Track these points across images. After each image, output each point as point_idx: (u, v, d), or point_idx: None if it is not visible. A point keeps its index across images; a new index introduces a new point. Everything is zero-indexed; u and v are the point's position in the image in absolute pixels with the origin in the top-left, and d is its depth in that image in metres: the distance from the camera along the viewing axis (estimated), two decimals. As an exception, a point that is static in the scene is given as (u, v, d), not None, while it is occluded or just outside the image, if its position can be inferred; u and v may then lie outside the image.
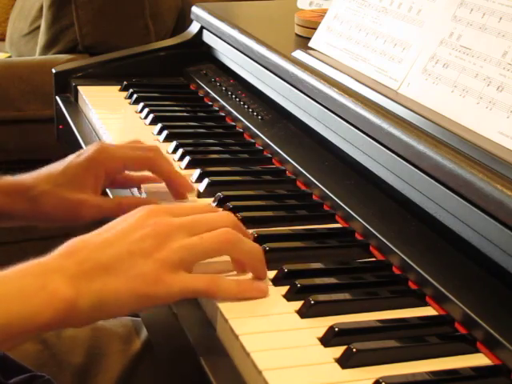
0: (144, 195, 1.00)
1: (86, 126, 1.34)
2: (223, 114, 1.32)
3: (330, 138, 1.06)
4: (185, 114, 1.34)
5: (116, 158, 0.97)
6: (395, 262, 0.84)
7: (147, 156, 0.97)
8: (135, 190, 1.04)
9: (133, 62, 1.52)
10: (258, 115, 1.25)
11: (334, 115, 1.03)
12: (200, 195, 1.00)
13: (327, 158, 1.07)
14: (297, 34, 1.33)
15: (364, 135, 0.96)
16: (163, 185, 0.99)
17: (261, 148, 1.17)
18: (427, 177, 0.85)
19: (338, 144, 1.04)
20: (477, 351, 0.71)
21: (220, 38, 1.42)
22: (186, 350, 0.74)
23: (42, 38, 2.36)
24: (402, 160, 0.89)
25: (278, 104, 1.21)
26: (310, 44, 1.20)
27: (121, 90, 1.45)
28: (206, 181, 1.02)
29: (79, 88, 1.43)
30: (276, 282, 0.80)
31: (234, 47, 1.35)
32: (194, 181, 1.04)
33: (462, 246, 0.81)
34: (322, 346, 0.70)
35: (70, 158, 0.97)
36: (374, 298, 0.78)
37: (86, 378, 1.04)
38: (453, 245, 0.82)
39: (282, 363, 0.67)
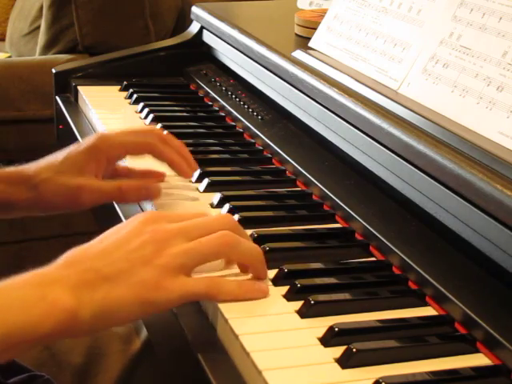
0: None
1: (86, 126, 1.34)
2: (223, 114, 1.32)
3: (330, 138, 1.06)
4: (185, 114, 1.34)
5: (116, 144, 0.98)
6: (395, 262, 0.84)
7: (147, 141, 0.98)
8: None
9: (133, 62, 1.52)
10: (257, 115, 1.25)
11: (333, 115, 1.03)
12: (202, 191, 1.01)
13: (327, 158, 1.07)
14: (297, 34, 1.33)
15: (364, 135, 0.96)
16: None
17: (261, 148, 1.17)
18: (427, 177, 0.85)
19: (338, 144, 1.04)
20: (477, 351, 0.71)
21: (220, 38, 1.42)
22: (186, 350, 0.74)
23: (41, 38, 2.36)
24: (401, 160, 0.89)
25: (278, 104, 1.21)
26: (310, 44, 1.20)
27: (121, 89, 1.45)
28: (206, 181, 1.02)
29: (79, 88, 1.43)
30: (276, 282, 0.80)
31: (233, 47, 1.35)
32: (194, 181, 1.04)
33: (462, 246, 0.81)
34: (322, 346, 0.70)
35: (71, 148, 0.98)
36: (374, 298, 0.78)
37: (85, 378, 1.04)
38: (453, 245, 0.82)
39: (282, 363, 0.67)
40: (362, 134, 0.97)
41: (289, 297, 0.77)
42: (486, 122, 0.85)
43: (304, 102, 1.11)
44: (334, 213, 0.96)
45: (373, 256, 0.87)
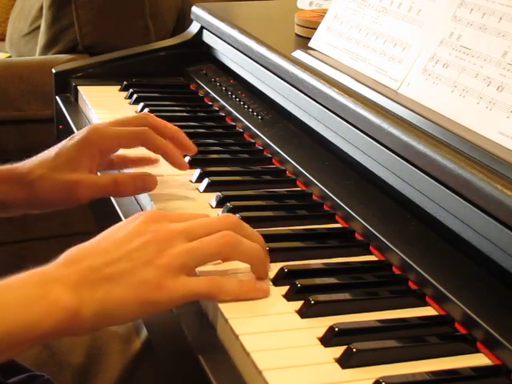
0: (148, 199, 1.00)
1: (86, 125, 1.33)
2: (223, 114, 1.32)
3: (330, 138, 1.06)
4: (185, 114, 1.34)
5: (109, 136, 0.97)
6: (395, 262, 0.84)
7: (140, 132, 0.97)
8: (140, 198, 1.03)
9: (133, 62, 1.52)
10: (258, 115, 1.25)
11: (333, 115, 1.03)
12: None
13: (327, 158, 1.07)
14: (297, 34, 1.33)
15: (364, 135, 0.96)
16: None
17: (261, 148, 1.17)
18: (427, 177, 0.85)
19: (338, 144, 1.04)
20: (477, 351, 0.71)
21: (220, 38, 1.42)
22: (186, 350, 0.74)
23: (41, 38, 2.36)
24: (402, 160, 0.89)
25: (278, 104, 1.21)
26: (310, 44, 1.20)
27: (121, 89, 1.45)
28: (205, 181, 1.02)
29: (79, 88, 1.43)
30: (276, 282, 0.80)
31: (234, 47, 1.35)
32: (194, 181, 1.04)
33: (461, 246, 0.81)
34: (322, 346, 0.70)
35: (63, 142, 0.98)
36: (374, 298, 0.78)
37: (85, 378, 1.04)
38: (453, 245, 0.82)
39: (282, 363, 0.67)
40: (362, 133, 0.97)
41: (289, 297, 0.77)
42: (486, 122, 0.85)
43: (304, 102, 1.11)
44: (334, 213, 0.96)
45: (373, 256, 0.87)
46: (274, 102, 1.23)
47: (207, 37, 1.50)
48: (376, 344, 0.70)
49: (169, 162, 1.00)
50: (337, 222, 0.95)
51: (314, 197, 1.01)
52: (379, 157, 0.94)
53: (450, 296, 0.75)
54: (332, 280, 0.80)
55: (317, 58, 1.13)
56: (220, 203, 0.97)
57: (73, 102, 1.45)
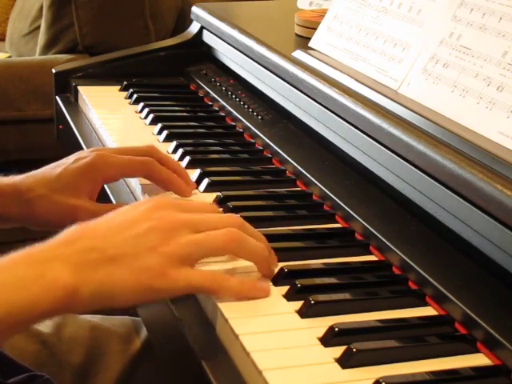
0: (139, 187, 0.99)
1: (86, 125, 1.34)
2: (223, 114, 1.32)
3: (330, 138, 1.06)
4: (185, 114, 1.34)
5: (113, 164, 0.96)
6: (395, 262, 0.84)
7: (145, 162, 0.96)
8: (131, 182, 1.03)
9: (133, 62, 1.52)
10: (258, 115, 1.25)
11: (334, 115, 1.03)
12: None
13: (327, 158, 1.07)
14: (297, 34, 1.33)
15: (364, 135, 0.96)
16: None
17: (261, 148, 1.17)
18: (427, 177, 0.85)
19: (338, 144, 1.04)
20: (477, 351, 0.71)
21: (220, 37, 1.42)
22: (185, 350, 0.74)
23: (41, 38, 2.36)
24: (402, 160, 0.89)
25: (278, 104, 1.21)
26: (310, 44, 1.20)
27: (121, 89, 1.45)
28: (205, 181, 1.02)
29: (79, 88, 1.43)
30: (276, 281, 0.80)
31: (234, 47, 1.35)
32: (194, 181, 1.04)
33: (461, 246, 0.81)
34: (322, 346, 0.70)
35: (67, 162, 0.96)
36: (374, 298, 0.78)
37: (85, 378, 1.04)
38: (453, 245, 0.82)
39: (282, 363, 0.67)
40: (362, 133, 0.97)
41: (289, 297, 0.77)
42: (486, 122, 0.85)
43: (304, 102, 1.11)
44: (334, 213, 0.96)
45: (373, 256, 0.87)
46: (274, 102, 1.23)
47: (207, 37, 1.50)
48: (376, 344, 0.70)
49: (173, 190, 0.98)
50: (337, 222, 0.95)
51: (314, 197, 1.01)
52: (379, 157, 0.94)
53: (450, 296, 0.75)
54: (332, 280, 0.80)
55: (317, 58, 1.13)
56: (220, 203, 0.97)
57: (73, 102, 1.45)
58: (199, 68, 1.51)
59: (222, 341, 0.74)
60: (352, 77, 1.05)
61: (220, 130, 1.26)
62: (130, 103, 1.38)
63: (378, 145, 0.93)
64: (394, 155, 0.91)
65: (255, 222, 0.89)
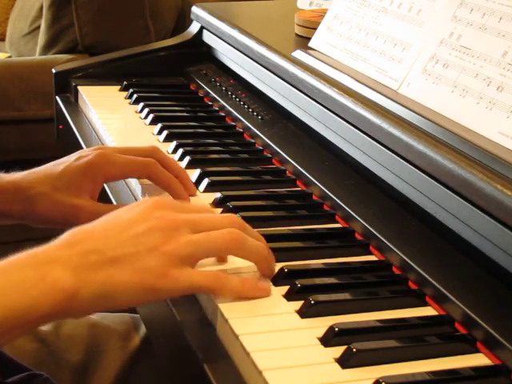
0: (139, 188, 0.99)
1: (86, 125, 1.34)
2: (223, 114, 1.32)
3: (330, 138, 1.06)
4: (185, 114, 1.34)
5: (115, 164, 0.96)
6: (395, 262, 0.83)
7: (147, 163, 0.96)
8: (131, 182, 1.03)
9: (133, 62, 1.52)
10: (258, 115, 1.25)
11: (333, 115, 1.03)
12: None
13: (327, 158, 1.07)
14: (297, 34, 1.33)
15: (364, 135, 0.96)
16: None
17: (261, 148, 1.17)
18: (427, 177, 0.85)
19: (338, 144, 1.04)
20: (477, 351, 0.71)
21: (220, 37, 1.42)
22: (185, 349, 0.74)
23: (41, 38, 2.36)
24: (402, 160, 0.89)
25: (278, 104, 1.21)
26: (310, 44, 1.20)
27: (121, 89, 1.45)
28: (205, 181, 1.02)
29: (79, 88, 1.43)
30: (276, 282, 0.80)
31: (234, 47, 1.35)
32: (194, 181, 1.04)
33: (461, 246, 0.81)
34: (322, 346, 0.70)
35: (69, 160, 0.96)
36: (374, 298, 0.78)
37: (84, 376, 1.04)
38: (453, 245, 0.82)
39: (282, 363, 0.67)
40: (362, 133, 0.97)
41: (289, 297, 0.77)
42: (486, 122, 0.85)
43: (304, 102, 1.11)
44: (334, 213, 0.96)
45: (373, 256, 0.87)
46: (274, 102, 1.23)
47: (207, 37, 1.50)
48: (376, 344, 0.70)
49: (172, 193, 0.97)
50: (337, 222, 0.95)
51: (314, 197, 1.01)
52: (379, 157, 0.94)
53: (450, 296, 0.75)
54: (332, 280, 0.80)
55: (317, 58, 1.13)
56: (220, 203, 0.97)
57: (73, 102, 1.45)
58: (199, 68, 1.51)
59: (222, 341, 0.74)
60: (352, 77, 1.05)
61: (220, 130, 1.26)
62: (130, 103, 1.38)
63: (378, 145, 0.93)
64: (394, 155, 0.91)
65: (255, 221, 0.89)
